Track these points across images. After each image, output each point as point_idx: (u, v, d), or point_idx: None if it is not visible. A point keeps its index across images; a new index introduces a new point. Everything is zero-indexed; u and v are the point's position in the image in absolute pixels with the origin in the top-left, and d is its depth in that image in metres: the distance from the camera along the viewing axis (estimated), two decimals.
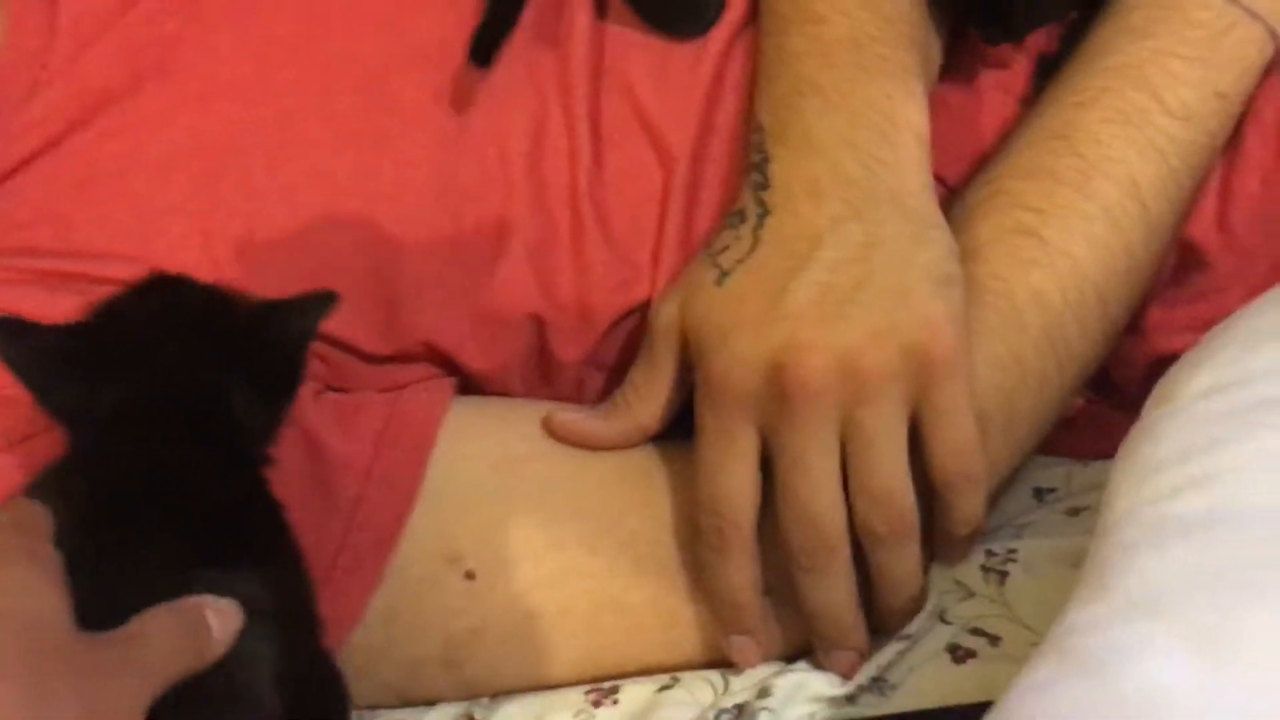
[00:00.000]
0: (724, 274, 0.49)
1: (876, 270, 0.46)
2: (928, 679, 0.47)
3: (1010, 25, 0.55)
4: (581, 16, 0.56)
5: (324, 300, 0.45)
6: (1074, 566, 0.40)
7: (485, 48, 0.55)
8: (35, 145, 0.55)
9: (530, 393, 0.56)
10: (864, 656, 0.48)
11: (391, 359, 0.54)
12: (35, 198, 0.54)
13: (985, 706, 0.33)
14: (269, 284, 0.50)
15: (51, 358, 0.43)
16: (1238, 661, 0.29)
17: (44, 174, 0.55)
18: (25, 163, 0.55)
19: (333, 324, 0.51)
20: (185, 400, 0.43)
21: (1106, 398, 0.56)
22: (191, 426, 0.43)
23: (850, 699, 0.47)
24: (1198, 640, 0.30)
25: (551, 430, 0.52)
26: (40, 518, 0.39)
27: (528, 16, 0.56)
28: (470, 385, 0.55)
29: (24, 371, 0.43)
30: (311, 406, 0.51)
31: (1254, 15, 0.49)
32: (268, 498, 0.44)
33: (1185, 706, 0.29)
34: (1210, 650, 0.29)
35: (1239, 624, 0.30)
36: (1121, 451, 0.38)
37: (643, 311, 0.54)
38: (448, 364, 0.54)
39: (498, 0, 0.56)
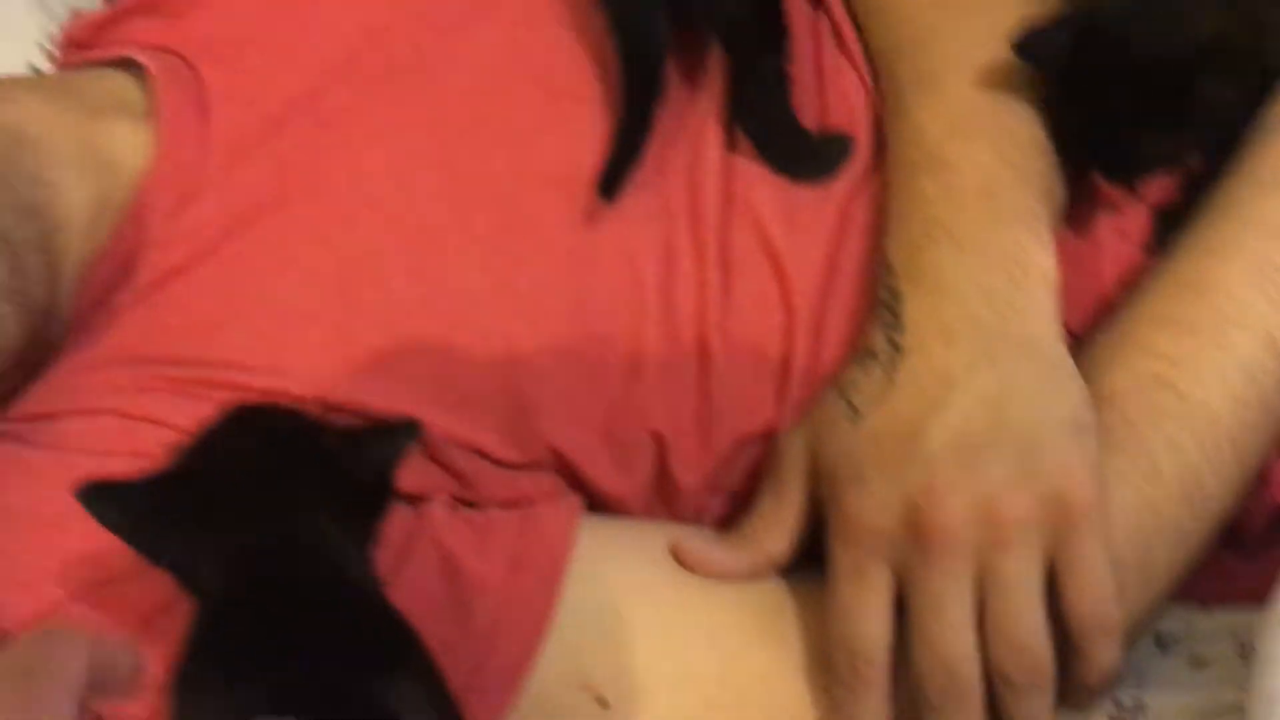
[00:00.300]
0: (857, 413, 0.50)
1: (1012, 416, 0.47)
2: None
3: (1128, 169, 0.57)
4: (712, 150, 0.58)
5: (408, 430, 0.47)
6: None
7: (612, 181, 0.57)
8: (184, 255, 0.57)
9: (649, 514, 0.57)
10: None
11: (520, 466, 0.55)
12: (182, 307, 0.56)
13: None
14: (404, 393, 0.52)
15: (147, 516, 0.44)
16: None
17: (191, 284, 0.57)
18: (174, 272, 0.57)
19: (465, 430, 0.53)
20: (284, 540, 0.44)
21: (1226, 543, 0.56)
22: (297, 562, 0.44)
23: None
24: None
25: (680, 559, 0.52)
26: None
27: (656, 145, 0.58)
28: (593, 503, 0.56)
29: (124, 534, 0.44)
30: (447, 524, 0.52)
31: None
32: (398, 616, 0.45)
33: None
34: None
35: None
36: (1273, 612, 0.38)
37: (764, 440, 0.55)
38: (574, 477, 0.56)
39: (625, 132, 0.58)
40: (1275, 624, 0.38)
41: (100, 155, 0.59)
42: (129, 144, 0.59)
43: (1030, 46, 0.54)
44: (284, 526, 0.44)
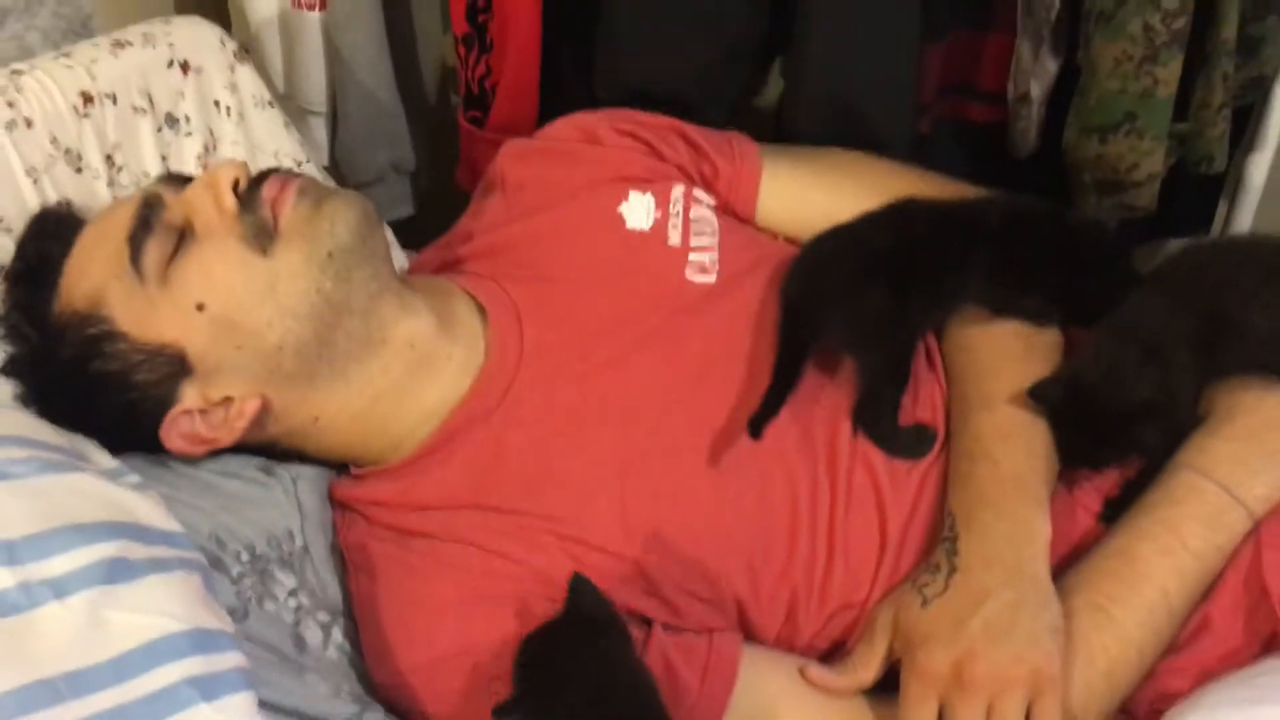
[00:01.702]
0: (926, 601, 0.84)
1: (1020, 620, 0.82)
2: None
3: (1096, 466, 0.92)
4: (845, 424, 0.93)
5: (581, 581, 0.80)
6: None
7: (758, 424, 0.91)
8: (518, 422, 0.91)
9: (780, 648, 0.91)
10: None
11: (712, 604, 0.88)
12: (515, 469, 0.90)
13: None
14: (656, 550, 0.85)
15: None
16: None
17: (524, 448, 0.91)
18: (509, 431, 0.91)
19: (686, 580, 0.86)
20: None
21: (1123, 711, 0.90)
22: None
23: None
24: None
25: (808, 678, 0.87)
26: None
27: (812, 414, 0.93)
28: (747, 636, 0.89)
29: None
30: (667, 639, 0.85)
31: (1244, 505, 0.86)
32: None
33: None
34: None
35: None
36: None
37: (861, 609, 0.90)
38: (741, 618, 0.89)
39: (775, 391, 0.92)
40: None
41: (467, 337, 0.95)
42: (478, 337, 0.95)
43: (1039, 391, 0.90)
44: None
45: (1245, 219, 1.35)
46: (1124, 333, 0.90)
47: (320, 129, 1.37)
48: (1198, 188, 1.28)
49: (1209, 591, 0.87)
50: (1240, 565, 0.87)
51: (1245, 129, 1.29)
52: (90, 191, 1.00)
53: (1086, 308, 0.95)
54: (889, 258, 0.94)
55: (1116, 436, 0.90)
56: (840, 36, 1.11)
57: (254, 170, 0.92)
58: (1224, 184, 1.33)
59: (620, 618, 0.79)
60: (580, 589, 0.79)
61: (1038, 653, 0.81)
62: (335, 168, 1.37)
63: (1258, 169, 1.32)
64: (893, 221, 0.97)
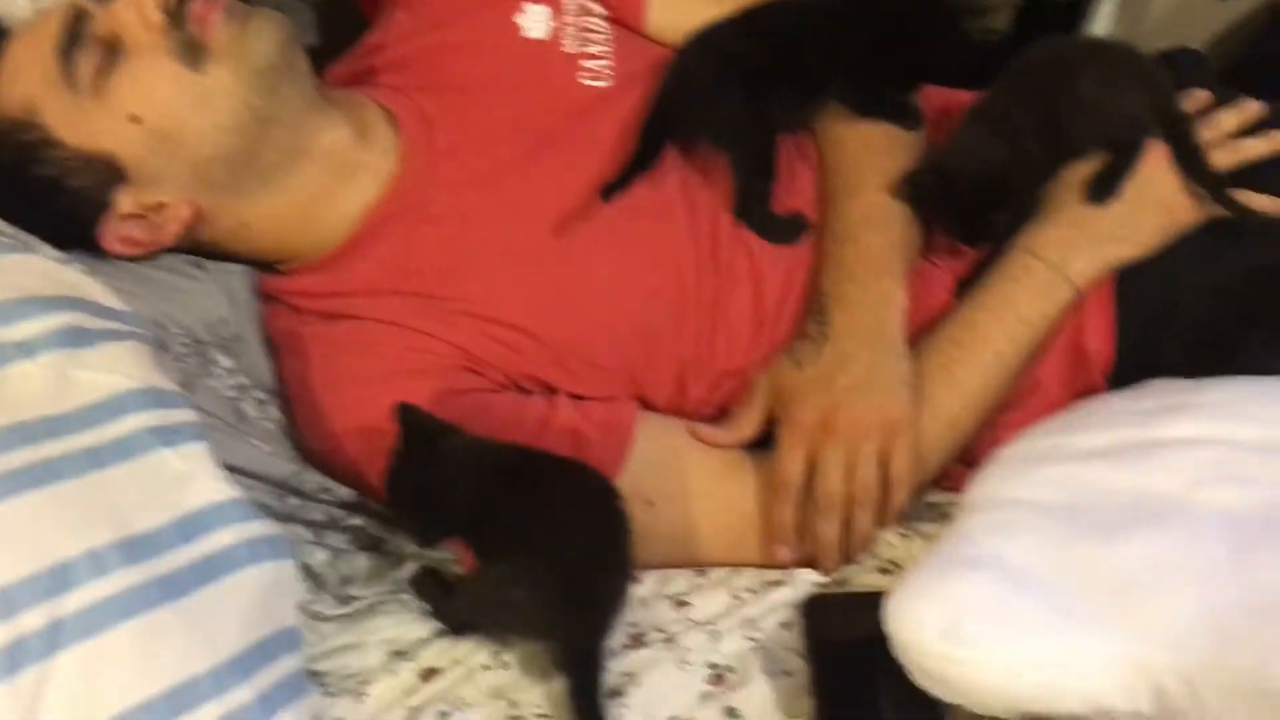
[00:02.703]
0: (799, 365, 0.97)
1: (878, 377, 0.95)
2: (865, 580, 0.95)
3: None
4: (726, 213, 1.04)
5: None
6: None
7: (609, 191, 1.00)
8: (432, 215, 1.00)
9: (673, 414, 1.02)
10: (838, 569, 0.96)
11: (612, 374, 0.99)
12: (433, 254, 0.99)
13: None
14: (566, 324, 0.97)
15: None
16: None
17: (440, 234, 1.00)
18: (426, 223, 1.00)
19: (590, 352, 0.97)
20: None
21: (964, 460, 1.03)
22: None
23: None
24: None
25: (696, 435, 0.99)
26: None
27: (694, 209, 1.03)
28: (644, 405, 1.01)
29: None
30: (572, 406, 0.97)
31: (1069, 281, 1.00)
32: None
33: None
34: None
35: None
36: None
37: (741, 375, 1.02)
38: (637, 390, 1.01)
39: (629, 168, 1.02)
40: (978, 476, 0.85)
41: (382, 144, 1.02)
42: (391, 144, 1.03)
43: (909, 179, 1.02)
44: None
45: None
46: (976, 118, 1.02)
47: None
48: (1054, 17, 1.40)
49: (1038, 356, 1.01)
50: (1065, 332, 1.02)
51: None
52: (12, 4, 1.04)
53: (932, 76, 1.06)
54: (747, 59, 1.03)
55: (974, 214, 1.02)
56: None
57: None
58: (1078, 11, 1.45)
59: (449, 423, 0.88)
60: (406, 414, 0.87)
61: (892, 402, 0.94)
62: None
63: None
64: (752, 24, 1.06)
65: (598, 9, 1.12)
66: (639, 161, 1.02)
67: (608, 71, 1.07)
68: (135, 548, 0.74)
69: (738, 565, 0.96)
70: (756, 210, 1.03)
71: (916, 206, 1.03)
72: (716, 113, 1.03)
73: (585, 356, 0.99)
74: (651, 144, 1.03)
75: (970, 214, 1.03)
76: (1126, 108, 1.01)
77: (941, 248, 1.06)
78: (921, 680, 0.73)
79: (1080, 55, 1.04)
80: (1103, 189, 1.00)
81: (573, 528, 0.84)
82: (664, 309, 1.01)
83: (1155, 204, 1.00)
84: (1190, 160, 1.00)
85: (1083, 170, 1.01)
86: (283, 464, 0.94)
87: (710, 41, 1.06)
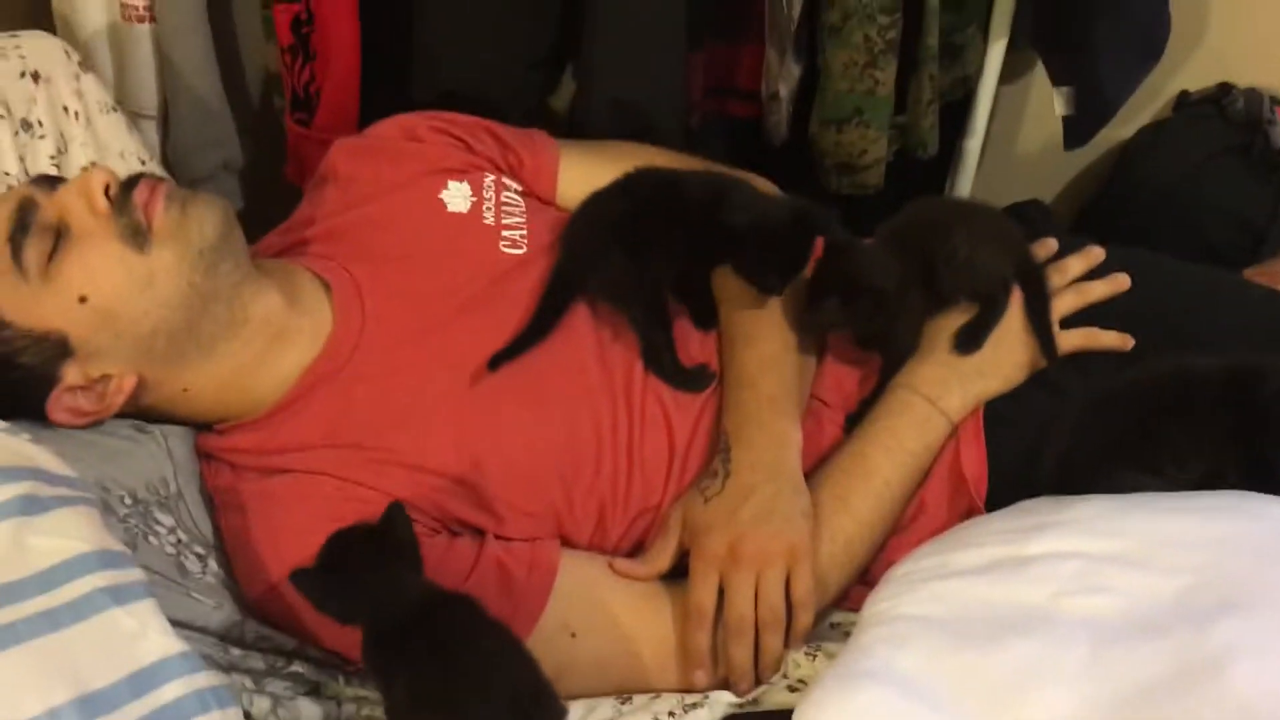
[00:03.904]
0: (706, 500, 1.06)
1: (778, 507, 1.04)
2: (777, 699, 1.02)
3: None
4: (638, 369, 1.13)
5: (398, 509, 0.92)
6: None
7: (497, 361, 1.08)
8: (364, 375, 1.08)
9: (593, 549, 1.10)
10: (752, 690, 1.03)
11: (535, 518, 1.07)
12: (364, 412, 1.06)
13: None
14: (486, 475, 1.03)
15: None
16: None
17: (372, 394, 1.07)
18: (357, 382, 1.07)
19: (513, 497, 1.04)
20: None
21: (862, 581, 1.12)
22: None
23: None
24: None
25: (616, 569, 1.06)
26: None
27: (611, 362, 1.12)
28: (565, 543, 1.08)
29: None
30: (499, 545, 1.03)
31: (945, 414, 1.11)
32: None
33: None
34: None
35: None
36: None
37: (656, 512, 1.10)
38: (559, 529, 1.08)
39: (522, 338, 1.10)
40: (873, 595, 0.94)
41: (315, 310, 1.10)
42: (324, 310, 1.10)
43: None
44: None
45: (964, 194, 1.63)
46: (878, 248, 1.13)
47: (151, 131, 1.49)
48: (925, 170, 1.54)
49: (922, 482, 1.11)
50: (945, 460, 1.12)
51: (963, 120, 1.57)
52: None
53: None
54: (621, 224, 1.13)
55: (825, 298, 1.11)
56: (619, 46, 1.32)
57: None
58: (947, 166, 1.60)
59: (417, 549, 0.90)
60: (394, 515, 0.91)
61: (792, 530, 1.03)
62: (168, 167, 1.49)
63: (971, 153, 1.60)
64: (626, 189, 1.16)
65: (514, 185, 1.23)
66: (532, 330, 1.11)
67: (524, 240, 1.17)
68: (91, 704, 0.78)
69: (658, 690, 1.03)
70: (663, 361, 1.13)
71: (824, 319, 1.13)
72: (604, 274, 1.13)
73: (509, 500, 1.06)
74: (548, 312, 1.12)
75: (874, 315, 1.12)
76: (992, 268, 1.14)
77: (831, 389, 1.16)
78: None
79: (953, 218, 1.16)
80: (969, 341, 1.12)
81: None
82: (584, 455, 1.09)
83: (1016, 344, 1.12)
84: (1036, 311, 1.13)
85: (953, 318, 1.14)
86: (223, 616, 0.98)
87: (594, 207, 1.18)
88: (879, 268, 1.11)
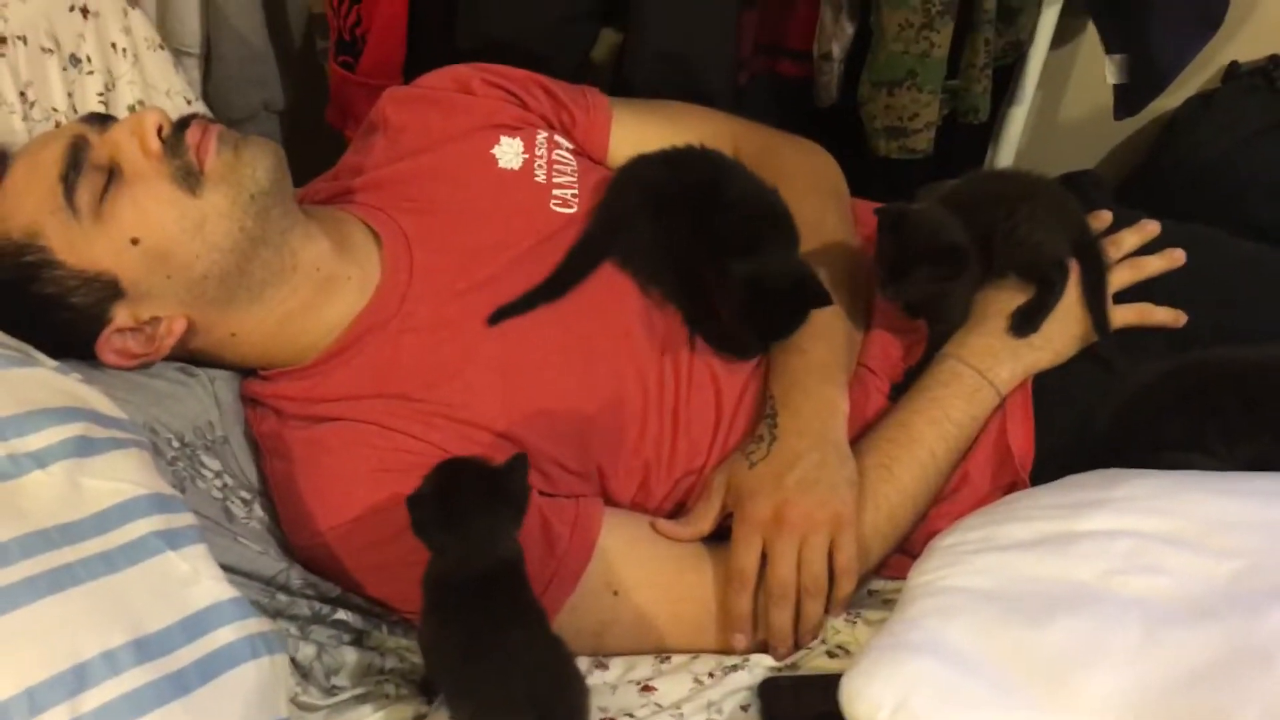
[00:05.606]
0: (752, 464, 1.05)
1: (824, 475, 1.03)
2: (815, 664, 1.03)
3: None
4: (684, 333, 1.12)
5: (523, 460, 0.90)
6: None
7: (498, 317, 1.08)
8: (414, 325, 1.07)
9: (636, 509, 1.10)
10: (790, 654, 1.03)
11: (579, 476, 1.07)
12: (415, 361, 1.06)
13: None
14: (533, 429, 1.03)
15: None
16: None
17: (422, 343, 1.06)
18: (407, 332, 1.07)
19: (556, 453, 1.04)
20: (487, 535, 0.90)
21: (902, 550, 1.12)
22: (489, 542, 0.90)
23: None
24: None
25: (658, 530, 1.06)
26: None
27: (665, 326, 1.12)
28: (608, 502, 1.08)
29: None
30: (544, 502, 1.03)
31: (994, 386, 1.10)
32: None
33: None
34: None
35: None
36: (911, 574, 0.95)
37: (700, 474, 1.10)
38: (602, 487, 1.08)
39: (532, 295, 1.09)
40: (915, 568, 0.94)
41: (364, 259, 1.09)
42: (373, 259, 1.10)
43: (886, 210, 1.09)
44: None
45: (1008, 161, 1.61)
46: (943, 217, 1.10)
47: (193, 69, 1.47)
48: (969, 136, 1.52)
49: (967, 453, 1.11)
50: (991, 432, 1.12)
51: (1009, 86, 1.55)
52: (8, 127, 1.10)
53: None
54: (656, 194, 1.11)
55: (913, 268, 1.08)
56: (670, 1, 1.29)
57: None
58: (991, 132, 1.58)
59: (525, 506, 0.90)
60: (516, 465, 0.90)
61: (838, 499, 1.03)
62: (209, 105, 1.48)
63: (1017, 119, 1.58)
64: (667, 161, 1.14)
65: (566, 143, 1.22)
66: (544, 289, 1.10)
67: (575, 199, 1.16)
68: (146, 647, 0.79)
69: (697, 651, 1.03)
70: (706, 327, 1.12)
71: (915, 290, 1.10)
72: (631, 241, 1.12)
73: (554, 458, 1.06)
74: (566, 273, 1.11)
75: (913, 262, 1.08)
76: (1050, 247, 1.12)
77: (877, 356, 1.16)
78: None
79: (1017, 194, 1.13)
80: (1025, 323, 1.11)
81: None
82: (628, 416, 1.09)
83: (1069, 318, 1.11)
84: (1092, 286, 1.11)
85: (1004, 289, 1.13)
86: (270, 562, 0.99)
87: (634, 171, 1.16)
88: (954, 226, 1.09)
